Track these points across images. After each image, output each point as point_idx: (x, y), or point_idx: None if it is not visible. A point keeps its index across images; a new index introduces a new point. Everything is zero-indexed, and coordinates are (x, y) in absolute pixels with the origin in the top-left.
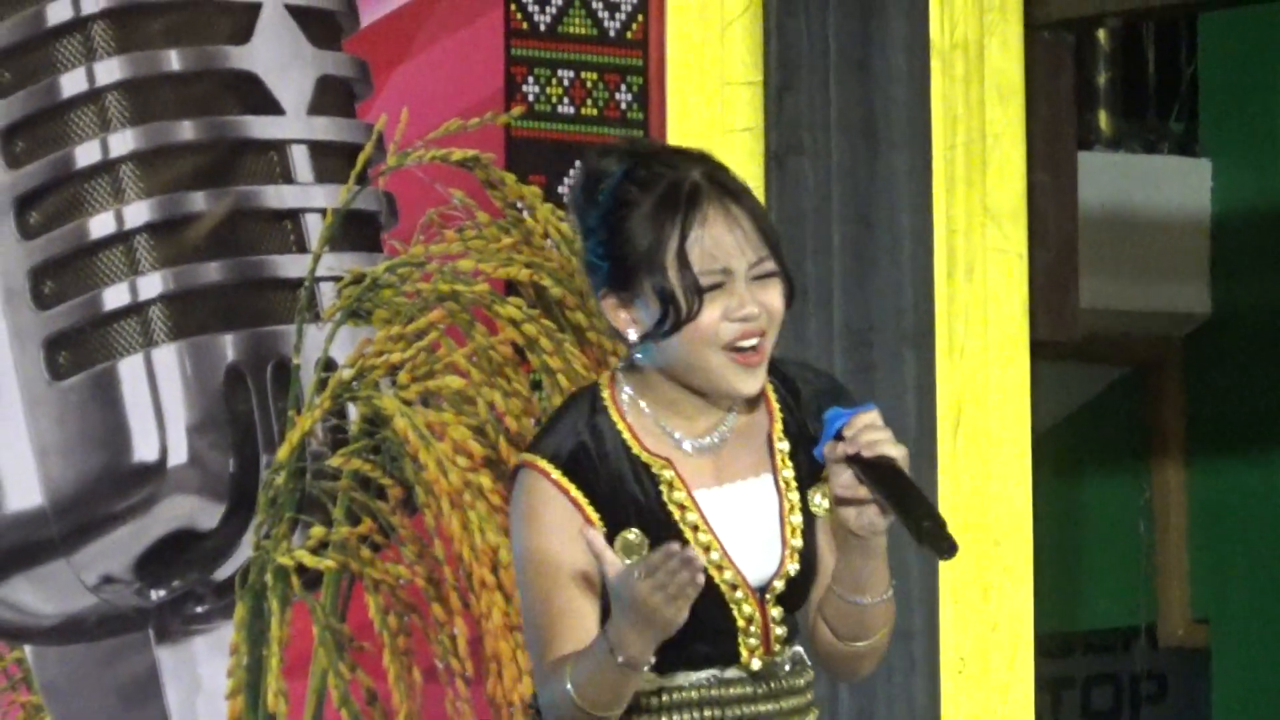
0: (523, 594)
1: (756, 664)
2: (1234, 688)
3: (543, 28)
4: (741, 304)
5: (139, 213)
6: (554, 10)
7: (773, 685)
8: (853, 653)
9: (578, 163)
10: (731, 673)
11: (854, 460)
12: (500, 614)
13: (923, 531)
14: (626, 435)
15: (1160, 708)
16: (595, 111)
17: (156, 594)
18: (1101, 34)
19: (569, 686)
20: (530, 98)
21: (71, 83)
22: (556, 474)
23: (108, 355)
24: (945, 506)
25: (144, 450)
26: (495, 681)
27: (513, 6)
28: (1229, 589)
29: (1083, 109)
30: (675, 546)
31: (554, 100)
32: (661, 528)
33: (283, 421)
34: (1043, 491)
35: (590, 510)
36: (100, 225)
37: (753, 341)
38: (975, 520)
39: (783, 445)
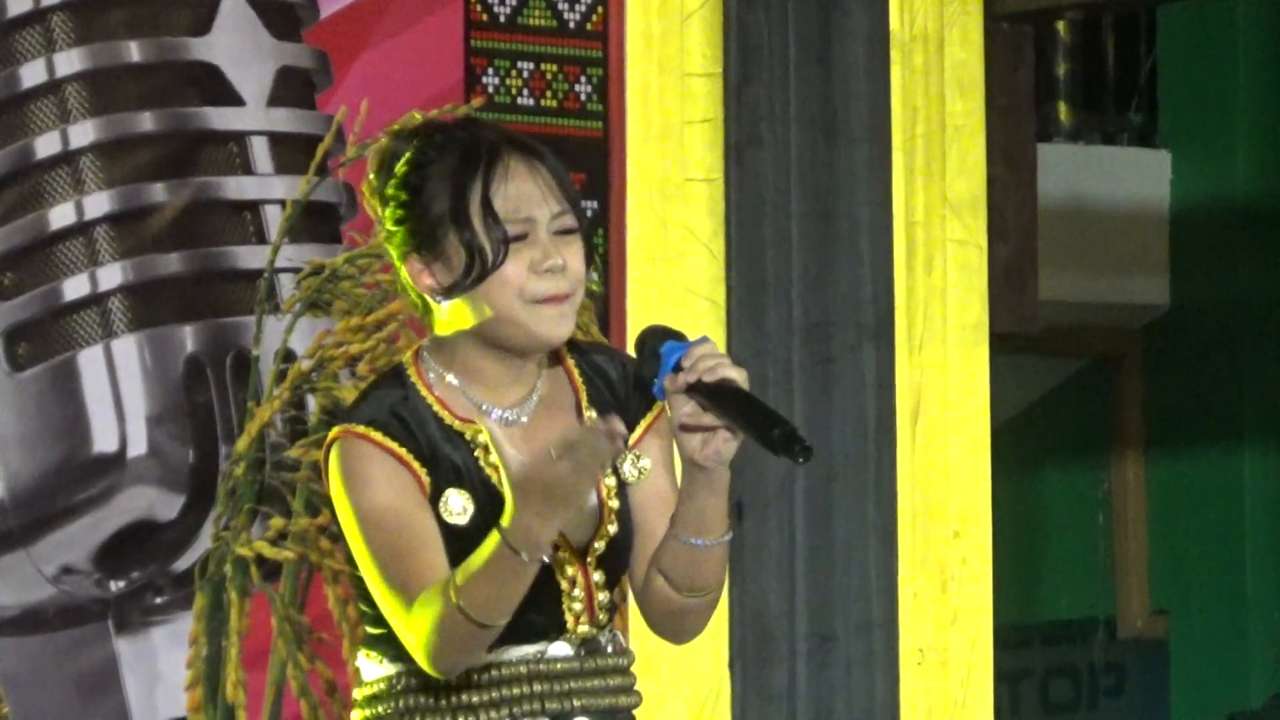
0: (367, 555)
1: (584, 628)
2: (1192, 679)
3: (502, 19)
4: (545, 255)
5: (99, 204)
6: (514, 2)
7: (598, 662)
8: (686, 606)
9: (371, 150)
10: (558, 648)
11: (695, 389)
12: None
13: (774, 440)
14: (436, 407)
15: (1119, 699)
16: (555, 103)
17: (116, 585)
18: (1061, 26)
19: (458, 602)
20: (490, 89)
21: (31, 74)
22: (377, 435)
23: (67, 346)
24: (904, 498)
25: (103, 441)
26: None
27: None
28: (1187, 580)
29: (1042, 101)
30: (595, 419)
31: (514, 92)
32: (483, 489)
33: (242, 413)
34: (1002, 483)
35: (417, 465)
36: (60, 216)
37: (561, 304)
38: (934, 512)
39: (590, 413)
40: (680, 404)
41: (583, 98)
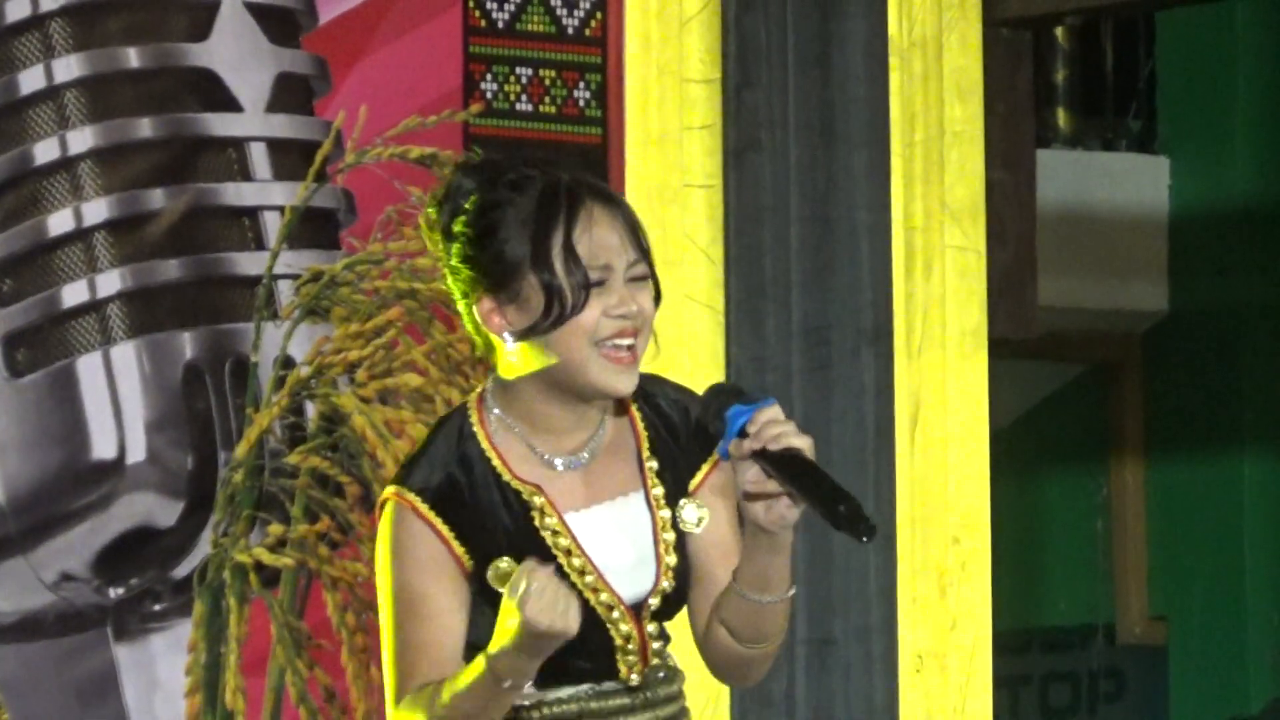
0: (388, 628)
1: (635, 679)
2: (1191, 684)
3: (501, 25)
4: (621, 301)
5: (98, 210)
6: (512, 7)
7: (648, 695)
8: (749, 656)
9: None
10: (609, 685)
11: (760, 455)
12: None
13: (839, 516)
14: (496, 462)
15: (1118, 705)
16: (554, 109)
17: (115, 592)
18: (1060, 32)
19: (438, 713)
20: (489, 95)
21: (30, 80)
22: (424, 508)
23: (66, 353)
24: (903, 504)
25: (102, 448)
26: None
27: (471, 4)
28: (1187, 586)
29: (1041, 107)
30: (532, 565)
31: (512, 98)
32: (534, 554)
33: (241, 419)
34: (1001, 489)
35: (456, 545)
36: (59, 222)
37: (628, 341)
38: (933, 517)
39: (651, 463)
40: (745, 469)
41: (581, 103)
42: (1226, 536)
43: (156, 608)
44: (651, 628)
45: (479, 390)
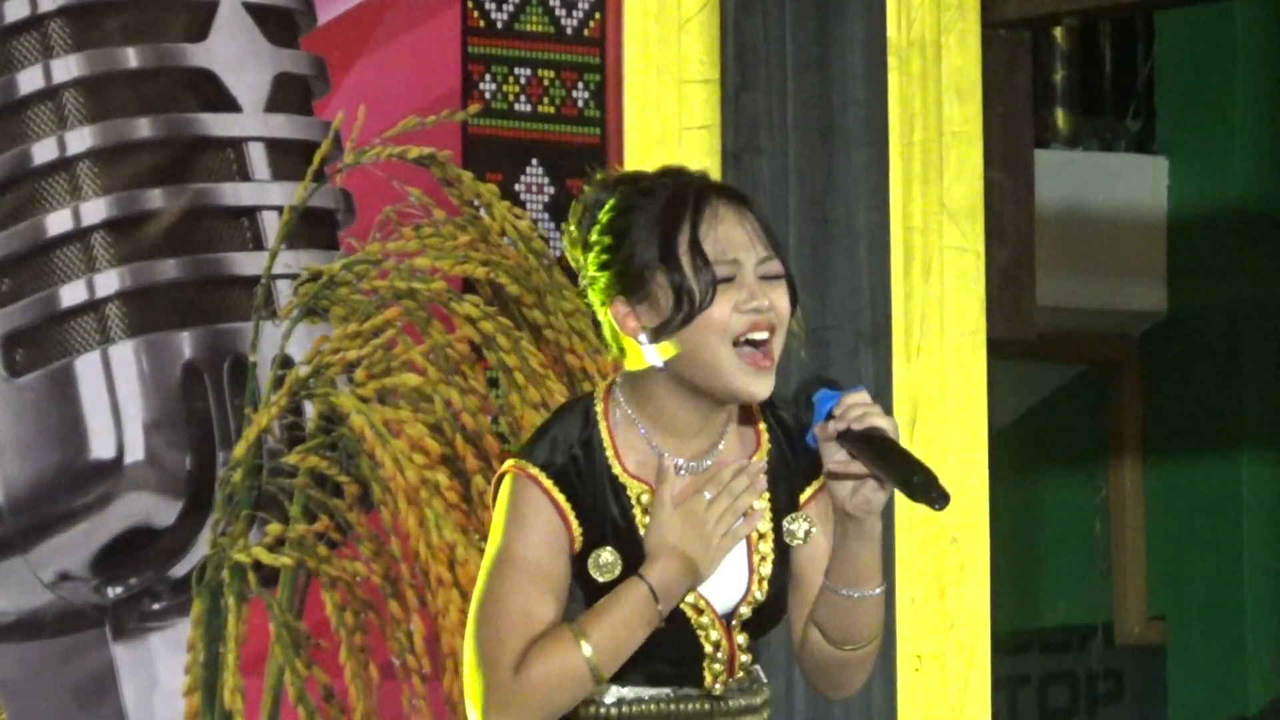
0: (488, 591)
1: (719, 689)
2: (1190, 685)
3: (500, 25)
4: (752, 295)
5: (96, 210)
6: (511, 8)
7: (730, 704)
8: (843, 659)
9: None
10: (689, 690)
11: (845, 436)
12: (457, 611)
13: (913, 486)
14: (611, 453)
15: (1117, 705)
16: (552, 109)
17: (113, 591)
18: (1058, 32)
19: (587, 651)
20: (487, 95)
21: (28, 80)
22: (548, 483)
23: (64, 352)
24: (901, 504)
25: (101, 447)
26: (452, 678)
27: (470, 4)
28: (1185, 586)
29: (1040, 107)
30: (731, 468)
31: (511, 98)
32: (635, 550)
33: (239, 419)
34: (999, 489)
35: (575, 522)
36: (57, 222)
37: (763, 334)
38: (932, 518)
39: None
40: (831, 451)
41: (580, 104)
42: (1225, 537)
43: (155, 607)
44: (741, 639)
45: (609, 381)
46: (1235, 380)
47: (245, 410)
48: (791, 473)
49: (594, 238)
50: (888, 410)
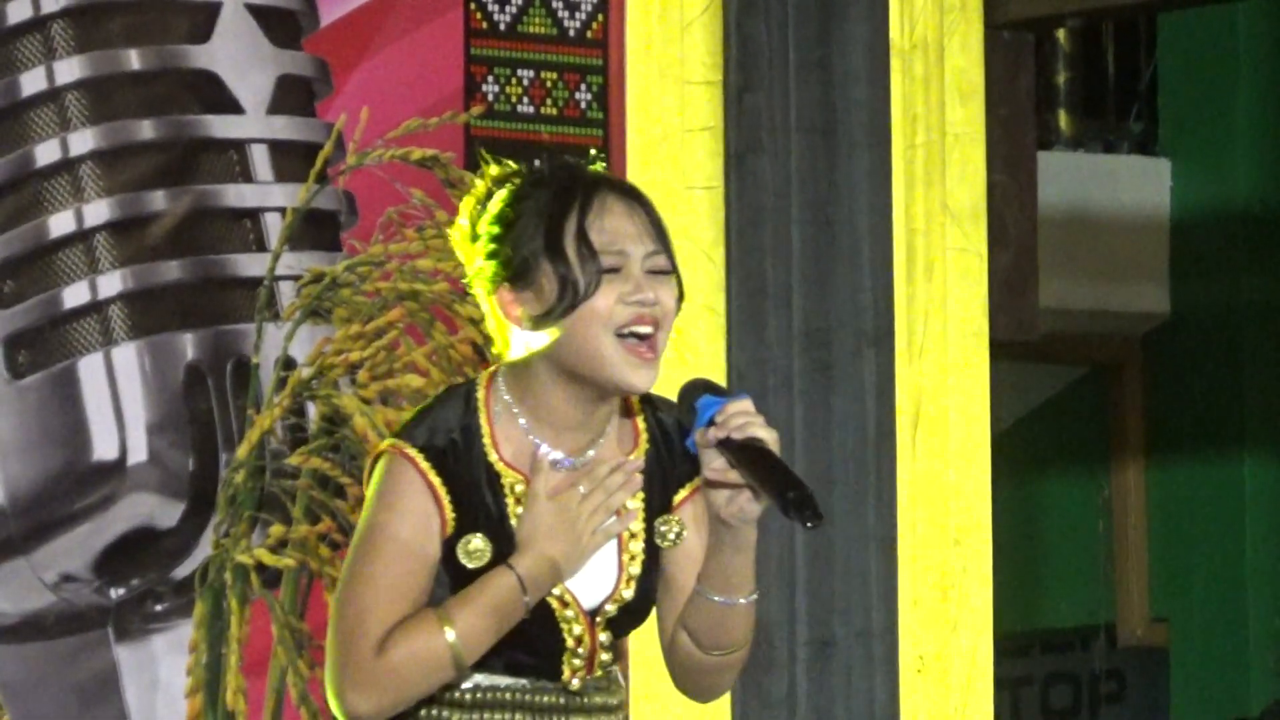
0: (355, 569)
1: (576, 684)
2: (1192, 686)
3: (502, 27)
4: (638, 288)
5: (99, 211)
6: (514, 9)
7: (585, 701)
8: (712, 664)
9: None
10: (546, 683)
11: (724, 444)
12: None
13: (787, 501)
14: (488, 441)
15: (1119, 706)
16: (555, 111)
17: (116, 592)
18: (1061, 34)
19: (450, 636)
20: (490, 97)
21: (31, 81)
22: (425, 464)
23: (67, 354)
24: (904, 506)
25: (103, 449)
26: None
27: (472, 6)
28: (1188, 588)
29: (1042, 109)
30: (607, 464)
31: (514, 99)
32: (506, 540)
33: (242, 420)
34: (1002, 491)
35: (448, 506)
36: (60, 224)
37: (646, 329)
38: (934, 519)
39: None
40: (710, 458)
41: (582, 105)
42: (1227, 538)
43: (158, 608)
44: (604, 636)
45: (492, 369)
46: (1238, 382)
47: (248, 411)
48: (667, 474)
49: (483, 228)
50: (890, 411)
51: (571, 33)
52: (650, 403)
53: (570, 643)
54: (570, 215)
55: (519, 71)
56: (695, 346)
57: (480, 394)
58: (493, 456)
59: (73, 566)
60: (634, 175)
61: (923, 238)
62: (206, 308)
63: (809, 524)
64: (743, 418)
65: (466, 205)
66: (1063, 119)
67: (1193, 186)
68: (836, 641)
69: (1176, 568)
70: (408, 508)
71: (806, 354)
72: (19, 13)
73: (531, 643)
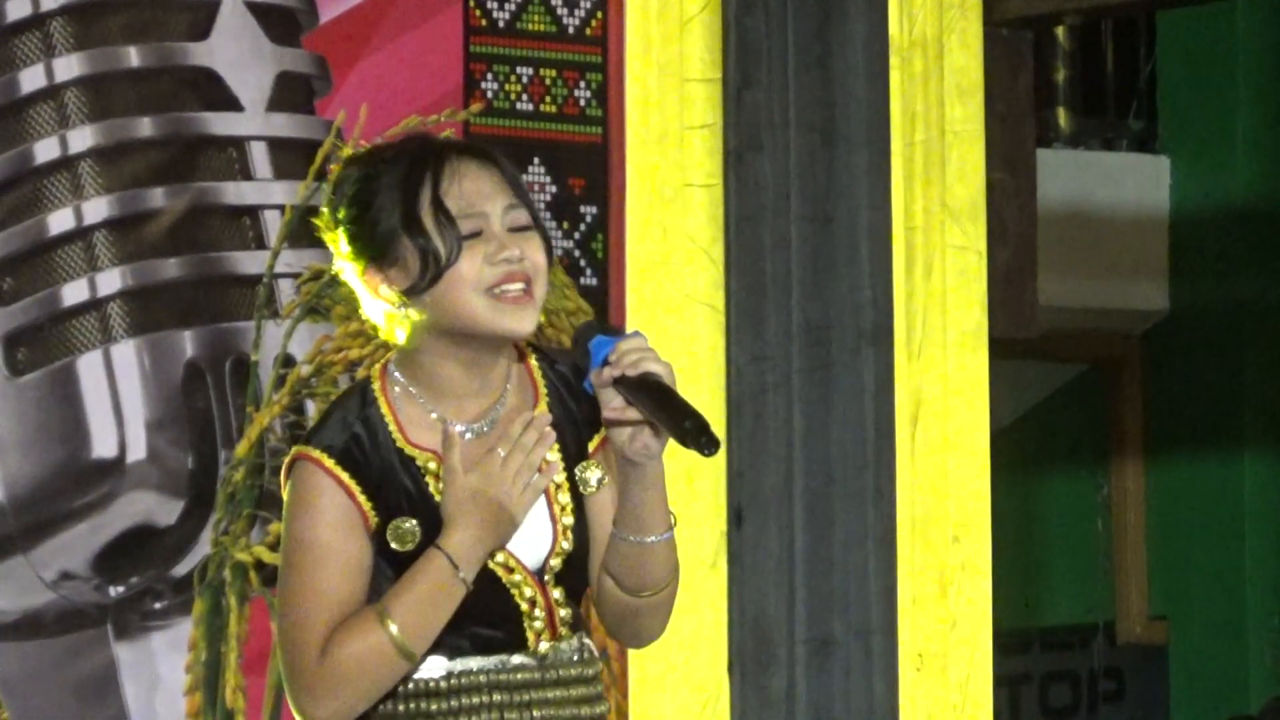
0: (286, 580)
1: (544, 647)
2: (1191, 684)
3: (501, 24)
4: (501, 246)
5: (98, 209)
6: (513, 7)
7: (560, 673)
8: (638, 606)
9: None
10: (519, 658)
11: (620, 382)
12: None
13: (684, 431)
14: (393, 428)
15: (1118, 704)
16: (554, 108)
17: (115, 590)
18: (1060, 32)
19: (393, 629)
20: (489, 94)
21: (30, 79)
22: (330, 463)
23: (66, 352)
24: (903, 503)
25: (103, 446)
26: None
27: (472, 3)
28: (1187, 586)
29: (1042, 106)
30: (518, 422)
31: (513, 97)
32: (435, 520)
33: (241, 418)
34: (1001, 488)
35: (363, 499)
36: (59, 221)
37: (517, 285)
38: (933, 517)
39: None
40: (608, 398)
41: (582, 103)
42: (1227, 536)
43: (157, 606)
44: (557, 593)
45: (382, 362)
46: (1237, 379)
47: (247, 409)
48: (577, 422)
49: (342, 213)
50: (889, 409)
51: (570, 30)
52: (544, 356)
53: (525, 606)
54: (424, 186)
55: (518, 69)
56: (695, 344)
57: (375, 385)
58: (400, 441)
59: (72, 564)
60: (633, 173)
61: (922, 235)
62: (206, 305)
63: (706, 451)
64: (636, 354)
65: (325, 194)
66: (1062, 116)
67: (1192, 184)
68: (836, 639)
69: (1176, 566)
70: (323, 510)
71: (805, 351)
72: (18, 10)
73: (488, 614)
